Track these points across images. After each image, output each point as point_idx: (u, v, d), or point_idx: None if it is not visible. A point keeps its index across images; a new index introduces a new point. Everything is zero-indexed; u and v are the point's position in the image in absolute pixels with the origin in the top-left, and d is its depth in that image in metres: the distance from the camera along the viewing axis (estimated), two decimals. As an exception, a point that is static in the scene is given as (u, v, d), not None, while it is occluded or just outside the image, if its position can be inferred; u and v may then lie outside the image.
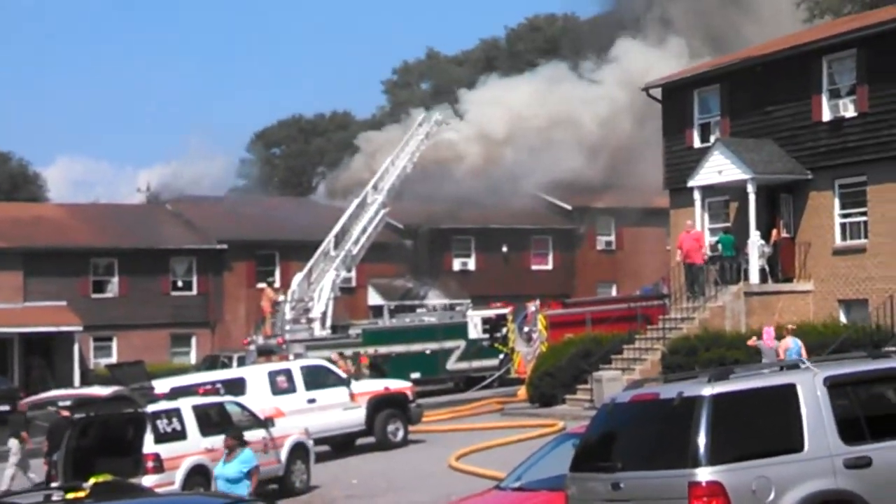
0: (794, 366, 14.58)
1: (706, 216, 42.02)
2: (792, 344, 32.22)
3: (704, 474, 12.94)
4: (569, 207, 71.56)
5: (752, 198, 39.35)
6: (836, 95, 38.91)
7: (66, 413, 30.54)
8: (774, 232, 40.07)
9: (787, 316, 37.76)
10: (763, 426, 13.61)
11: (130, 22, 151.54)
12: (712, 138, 42.14)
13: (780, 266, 39.92)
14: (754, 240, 39.38)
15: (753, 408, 13.62)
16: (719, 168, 40.03)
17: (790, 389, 13.69)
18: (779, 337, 32.99)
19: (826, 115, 38.96)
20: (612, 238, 72.93)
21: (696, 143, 43.07)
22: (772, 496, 12.94)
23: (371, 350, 50.34)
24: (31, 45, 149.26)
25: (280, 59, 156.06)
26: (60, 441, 27.57)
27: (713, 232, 41.79)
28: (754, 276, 39.31)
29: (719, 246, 40.51)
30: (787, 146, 39.98)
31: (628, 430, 14.59)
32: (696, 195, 41.26)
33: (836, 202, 38.96)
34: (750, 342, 33.71)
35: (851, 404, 13.85)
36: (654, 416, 14.12)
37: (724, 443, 13.19)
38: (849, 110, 38.32)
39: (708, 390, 13.50)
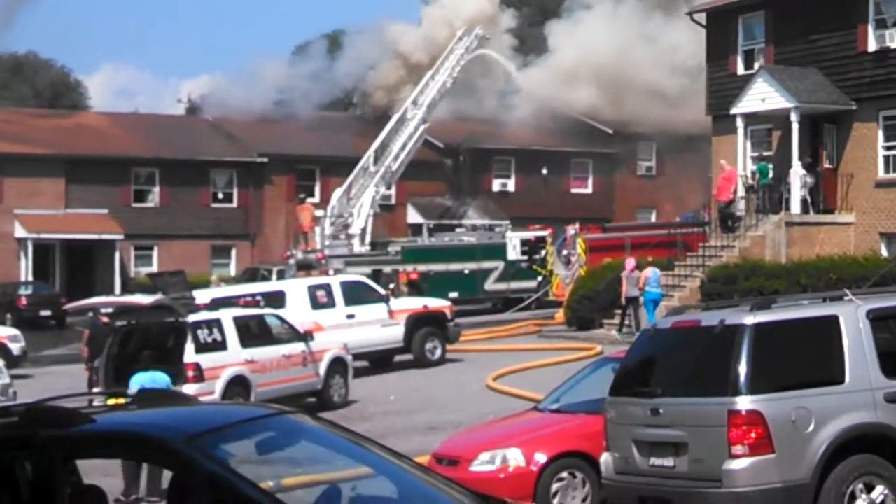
0: (837, 297, 14.55)
1: (748, 144, 41.81)
2: (651, 273, 37.27)
3: (744, 403, 12.98)
4: (610, 131, 71.08)
5: (795, 127, 39.06)
6: (883, 25, 38.49)
7: (106, 319, 30.88)
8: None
9: (827, 247, 37.67)
10: (804, 357, 13.62)
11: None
12: (756, 65, 41.81)
13: (821, 197, 39.72)
14: (797, 169, 39.16)
15: (795, 338, 13.62)
16: (763, 96, 39.74)
17: (832, 321, 13.67)
18: (640, 267, 38.07)
19: (872, 46, 38.58)
20: (653, 163, 72.54)
21: (740, 70, 42.75)
22: (811, 427, 12.97)
23: (411, 269, 50.49)
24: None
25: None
26: (101, 347, 27.88)
27: (755, 161, 41.58)
28: (796, 207, 39.12)
29: (758, 174, 40.42)
30: (832, 76, 39.64)
31: (669, 357, 14.65)
32: (739, 122, 41.00)
33: (880, 134, 38.67)
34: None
35: (894, 337, 13.84)
36: (695, 344, 14.18)
37: (765, 372, 13.22)
38: (895, 41, 37.93)
39: (750, 319, 13.50)
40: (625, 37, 67.53)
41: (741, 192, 40.84)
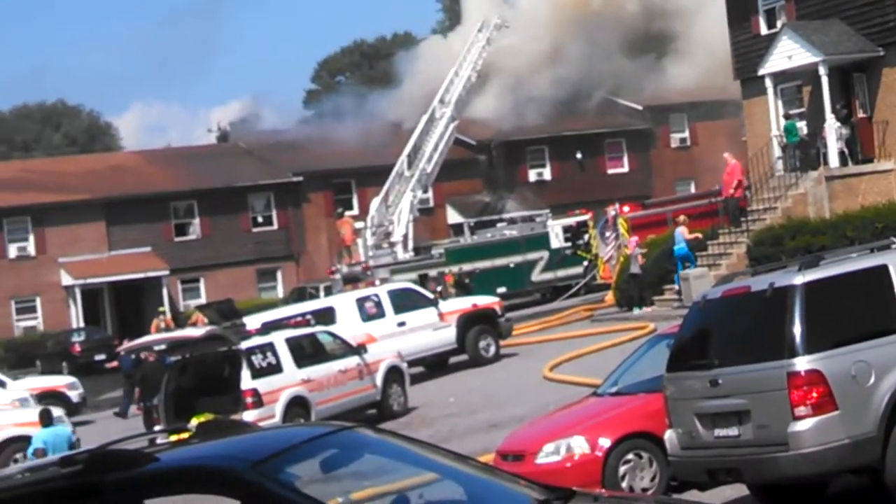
0: (884, 247, 14.45)
1: (779, 103, 41.53)
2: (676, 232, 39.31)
3: (803, 363, 12.89)
4: (639, 107, 71.01)
5: (824, 80, 38.78)
6: (902, -33, 38.17)
7: (153, 358, 31.11)
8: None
9: (870, 197, 37.38)
10: (858, 310, 13.51)
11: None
12: (779, 23, 41.55)
13: (859, 147, 39.45)
14: (831, 123, 38.89)
15: (846, 292, 13.52)
16: (789, 53, 39.48)
17: (882, 270, 13.55)
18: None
19: (893, -11, 38.27)
20: (686, 134, 72.36)
21: (763, 30, 42.48)
22: (872, 380, 12.87)
23: (455, 269, 50.46)
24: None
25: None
26: (152, 386, 28.09)
27: (789, 118, 41.38)
28: (834, 160, 38.84)
29: (785, 134, 40.33)
30: (856, 24, 39.29)
31: (722, 326, 14.54)
32: (768, 83, 40.74)
33: (911, 77, 38.37)
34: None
35: (945, 280, 13.70)
36: (747, 310, 14.06)
37: (820, 330, 13.11)
38: (916, -18, 37.63)
39: (799, 279, 13.39)
40: None
41: (778, 153, 40.62)
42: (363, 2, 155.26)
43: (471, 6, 71.62)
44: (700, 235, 39.85)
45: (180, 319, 56.32)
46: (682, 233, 39.06)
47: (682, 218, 40.67)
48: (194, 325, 45.37)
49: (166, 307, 56.03)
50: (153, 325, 46.70)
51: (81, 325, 58.23)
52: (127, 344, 40.00)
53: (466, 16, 71.72)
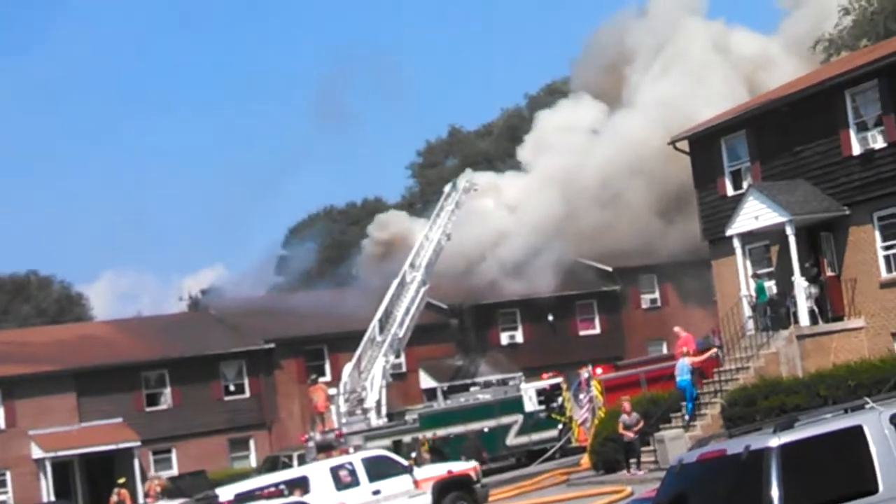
0: (858, 407, 14.41)
1: (748, 263, 41.86)
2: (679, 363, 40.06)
3: (781, 528, 12.78)
4: (609, 269, 71.38)
5: (791, 240, 39.11)
6: (864, 128, 38.71)
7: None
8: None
9: (842, 355, 37.47)
10: (834, 471, 13.42)
11: (159, 129, 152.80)
12: (745, 185, 42.04)
13: (828, 305, 39.63)
14: (799, 282, 39.12)
15: (823, 454, 13.43)
16: (755, 214, 39.88)
17: (857, 431, 13.51)
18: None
19: (856, 149, 38.75)
20: (657, 295, 72.65)
21: (729, 192, 42.98)
22: (851, 543, 12.76)
23: (430, 434, 50.13)
24: (65, 169, 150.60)
25: (305, 151, 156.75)
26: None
27: (758, 277, 41.63)
28: (804, 319, 39.00)
29: (755, 294, 40.65)
30: (821, 184, 39.78)
31: (699, 490, 14.40)
32: (736, 243, 41.09)
33: (877, 235, 38.66)
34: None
35: (921, 439, 13.66)
36: (724, 473, 13.96)
37: (798, 493, 13.00)
38: (878, 141, 38.11)
39: (775, 441, 13.33)
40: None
41: (748, 312, 40.79)
42: (335, 170, 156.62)
43: (528, 156, 73.21)
44: (714, 352, 40.24)
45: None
46: (686, 363, 39.29)
47: (684, 349, 40.78)
48: (147, 494, 44.83)
49: (131, 478, 55.30)
50: (110, 501, 45.69)
51: (52, 498, 57.38)
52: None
53: (531, 167, 73.09)
